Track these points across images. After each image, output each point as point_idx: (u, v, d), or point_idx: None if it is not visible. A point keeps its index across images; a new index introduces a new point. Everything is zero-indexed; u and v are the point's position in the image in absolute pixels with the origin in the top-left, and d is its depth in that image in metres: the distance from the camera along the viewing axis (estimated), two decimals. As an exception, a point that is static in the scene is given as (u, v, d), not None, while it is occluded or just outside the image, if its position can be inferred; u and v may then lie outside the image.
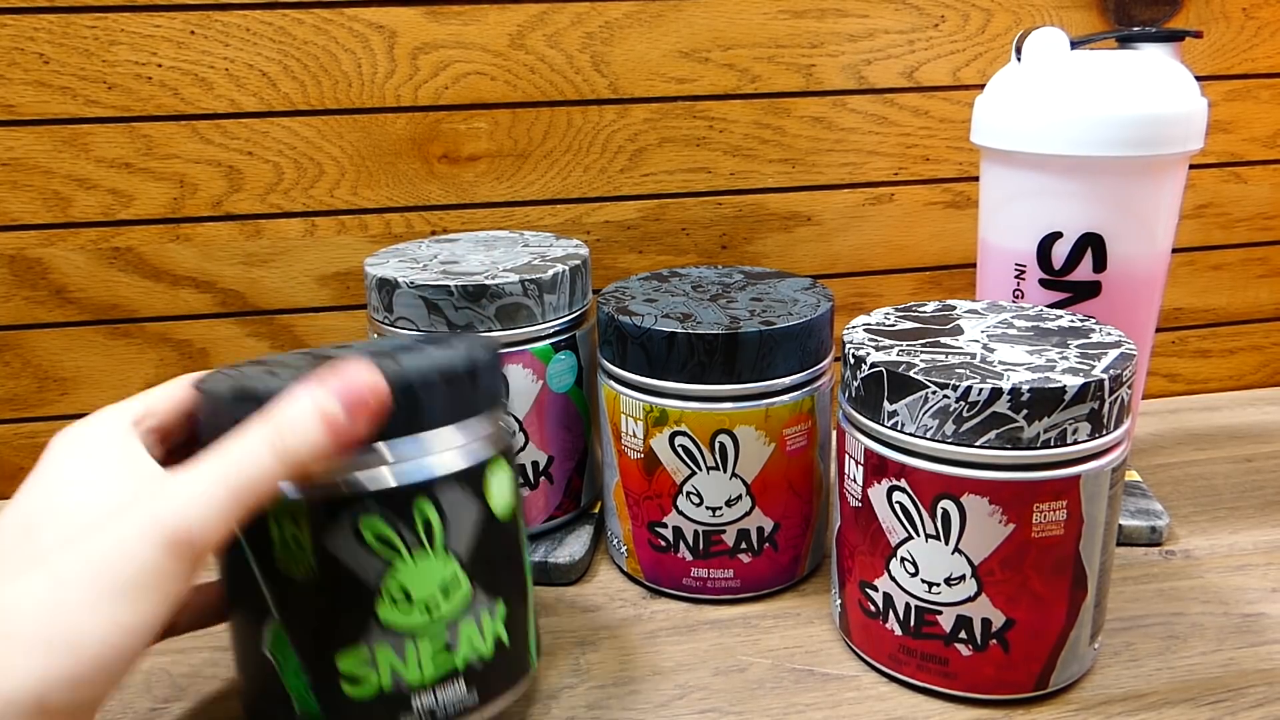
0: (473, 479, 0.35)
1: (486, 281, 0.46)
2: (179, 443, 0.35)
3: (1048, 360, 0.38)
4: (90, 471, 0.32)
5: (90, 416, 0.33)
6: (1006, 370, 0.37)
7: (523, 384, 0.48)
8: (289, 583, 0.34)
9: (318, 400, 0.31)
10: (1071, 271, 0.48)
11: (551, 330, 0.48)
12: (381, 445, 0.33)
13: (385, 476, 0.33)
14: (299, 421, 0.30)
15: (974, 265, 0.54)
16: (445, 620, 0.35)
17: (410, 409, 0.33)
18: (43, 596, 0.27)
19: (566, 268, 0.48)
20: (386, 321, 0.47)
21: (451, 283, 0.46)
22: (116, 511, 0.29)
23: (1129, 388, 0.38)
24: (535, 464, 0.49)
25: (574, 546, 0.50)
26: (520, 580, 0.38)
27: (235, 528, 0.30)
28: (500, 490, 0.37)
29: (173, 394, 0.35)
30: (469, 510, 0.35)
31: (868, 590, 0.41)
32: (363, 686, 0.34)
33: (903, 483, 0.38)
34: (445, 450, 0.35)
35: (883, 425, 0.38)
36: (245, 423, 0.31)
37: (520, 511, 0.39)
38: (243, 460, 0.29)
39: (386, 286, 0.47)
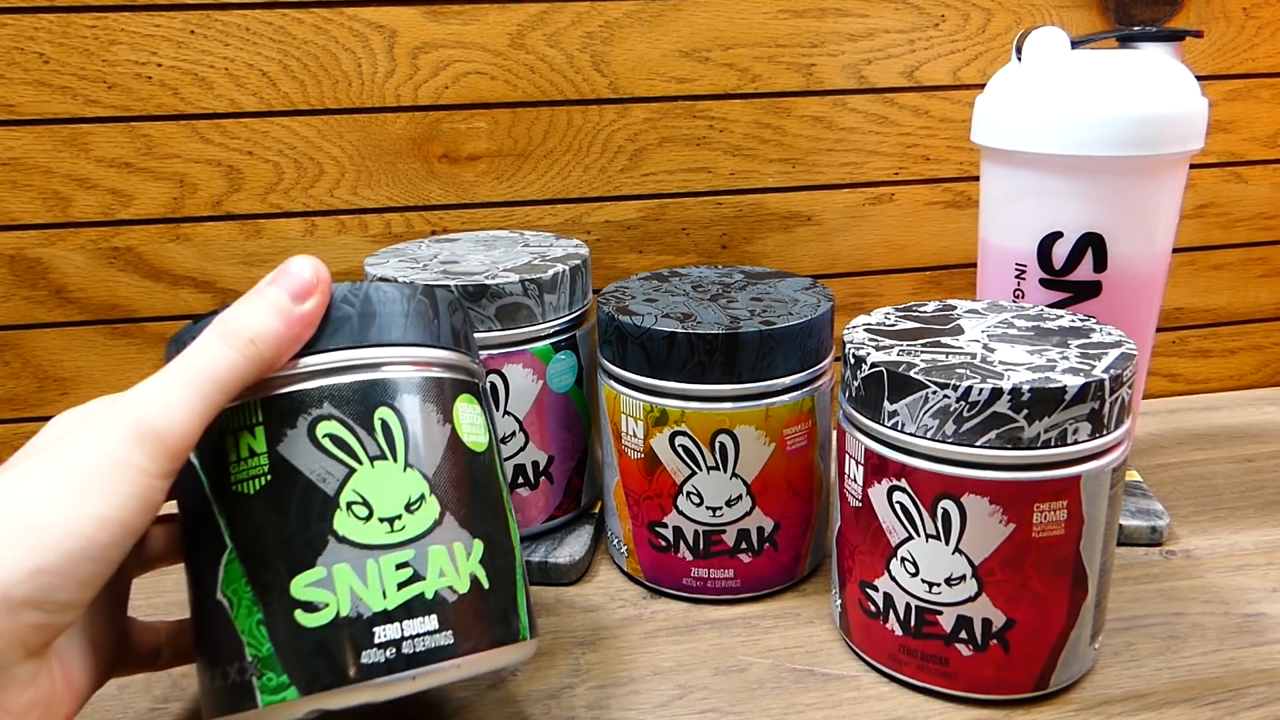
0: (438, 400, 0.34)
1: (487, 281, 0.46)
2: None
3: (1048, 360, 0.38)
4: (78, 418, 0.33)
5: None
6: (1007, 370, 0.37)
7: (523, 384, 0.48)
8: (244, 502, 0.32)
9: (265, 291, 0.32)
10: (1072, 271, 0.48)
11: (551, 330, 0.48)
12: (340, 353, 0.33)
13: (342, 380, 0.32)
14: (249, 311, 0.31)
15: (974, 265, 0.54)
16: (410, 539, 0.32)
17: (368, 318, 0.33)
18: (8, 492, 0.27)
19: (566, 267, 0.48)
20: None
21: (452, 282, 0.46)
22: (89, 417, 0.30)
23: (1129, 388, 0.38)
24: (535, 464, 0.49)
25: (574, 546, 0.50)
26: (501, 525, 0.35)
27: (201, 428, 0.30)
28: (471, 423, 0.35)
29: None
30: (433, 428, 0.34)
31: (868, 590, 0.41)
32: (319, 614, 0.31)
33: (903, 483, 0.38)
34: (406, 364, 0.34)
35: (883, 425, 0.38)
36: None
37: (498, 454, 0.37)
38: (201, 355, 0.30)
39: None
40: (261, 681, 0.31)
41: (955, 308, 0.44)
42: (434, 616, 0.31)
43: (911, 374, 0.37)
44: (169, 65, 0.55)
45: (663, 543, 0.47)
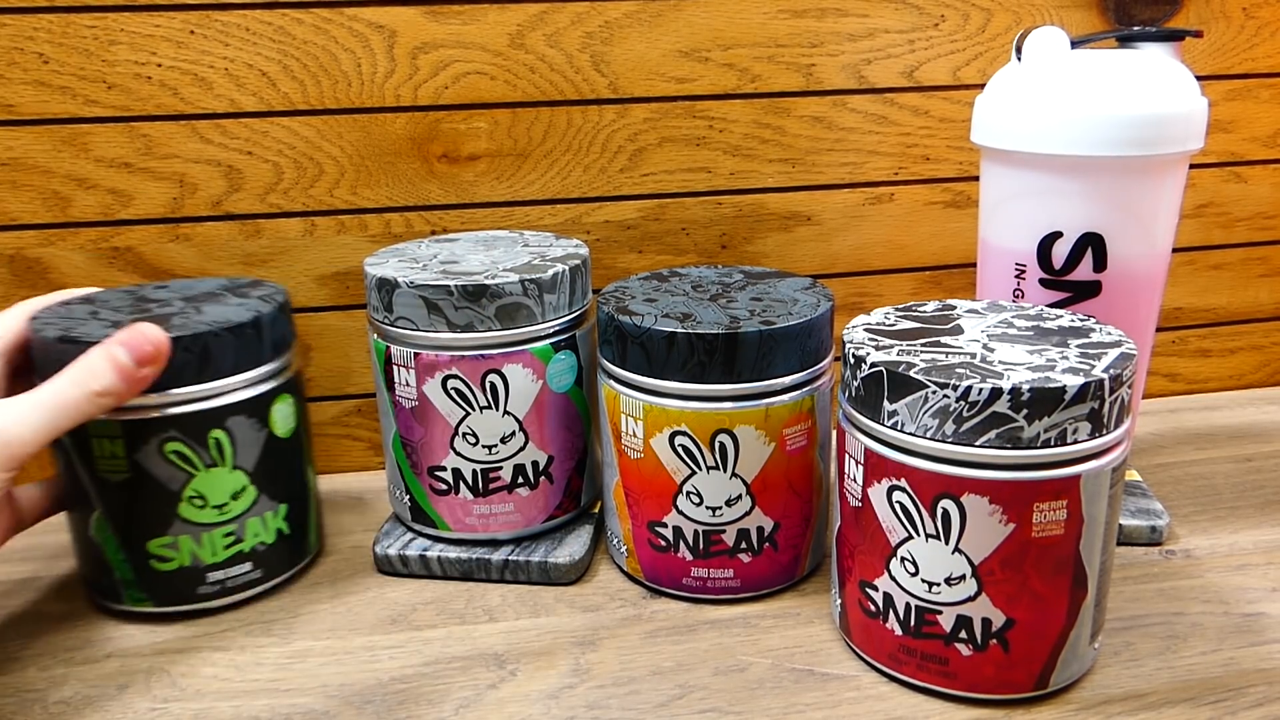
0: (258, 409, 0.46)
1: (486, 281, 0.46)
2: (20, 364, 0.44)
3: (1048, 360, 0.38)
4: None
5: None
6: (1006, 370, 0.37)
7: (523, 384, 0.48)
8: (108, 485, 0.44)
9: (113, 352, 0.41)
10: (1072, 271, 0.48)
11: (551, 330, 0.48)
12: (182, 388, 0.43)
13: (184, 409, 0.44)
14: (98, 367, 0.40)
15: (974, 265, 0.54)
16: (234, 517, 0.46)
17: (203, 358, 0.44)
18: None
19: (566, 267, 0.48)
20: (386, 321, 0.47)
21: (451, 282, 0.46)
22: None
23: (1129, 387, 0.38)
24: (535, 464, 0.49)
25: (574, 546, 0.50)
26: (300, 486, 0.50)
27: (61, 439, 0.43)
28: (283, 416, 0.48)
29: (13, 325, 0.44)
30: (254, 435, 0.46)
31: (868, 590, 0.41)
32: (168, 564, 0.46)
33: (903, 482, 0.38)
34: (235, 389, 0.45)
35: (883, 425, 0.38)
36: (65, 362, 0.41)
37: (302, 431, 0.50)
38: (56, 393, 0.40)
39: (386, 286, 0.47)
40: (128, 593, 0.46)
41: (955, 307, 0.44)
42: (249, 563, 0.47)
43: (911, 374, 0.37)
44: (169, 65, 0.55)
45: (662, 542, 0.47)
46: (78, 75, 0.54)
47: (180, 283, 0.51)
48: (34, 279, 0.57)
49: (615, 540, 0.50)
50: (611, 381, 0.47)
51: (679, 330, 0.43)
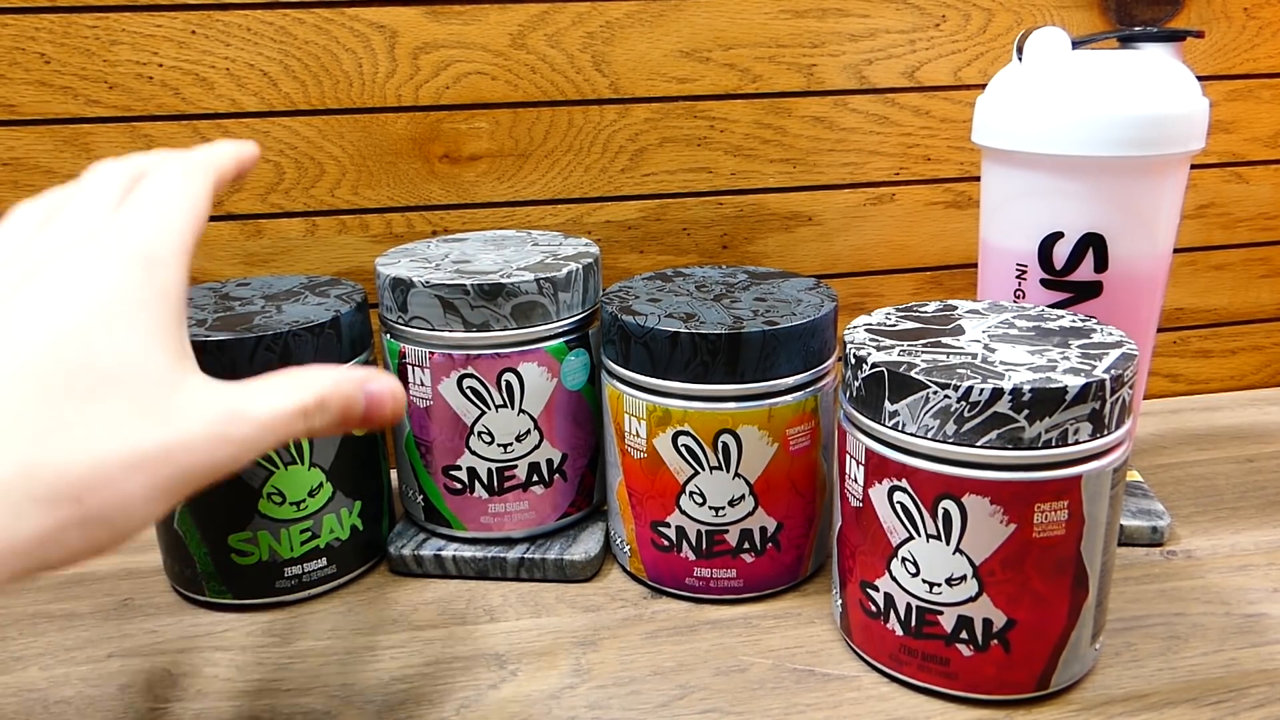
0: None
1: (503, 280, 0.46)
2: None
3: (1049, 360, 0.38)
4: None
5: None
6: (1008, 370, 0.37)
7: (537, 382, 0.48)
8: None
9: (372, 388, 0.33)
10: (1073, 272, 0.48)
11: (566, 328, 0.48)
12: None
13: None
14: (348, 391, 0.33)
15: (975, 265, 0.54)
16: (311, 514, 0.47)
17: (284, 357, 0.44)
18: None
19: (580, 266, 0.48)
20: (401, 321, 0.47)
21: (467, 282, 0.46)
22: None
23: (1130, 388, 0.38)
24: (549, 461, 0.49)
25: (588, 544, 0.50)
26: (376, 483, 0.51)
27: None
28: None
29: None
30: (331, 435, 0.45)
31: (869, 590, 0.41)
32: (248, 558, 0.47)
33: (904, 483, 0.38)
34: None
35: (884, 425, 0.38)
36: None
37: (376, 431, 0.49)
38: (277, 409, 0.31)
39: (401, 286, 0.47)
40: (209, 585, 0.47)
41: (956, 308, 0.44)
42: (324, 558, 0.48)
43: (912, 374, 0.37)
44: (170, 65, 0.55)
45: (666, 542, 0.47)
46: (79, 75, 0.55)
47: (261, 280, 0.52)
48: (35, 279, 0.57)
49: (619, 540, 0.50)
50: (615, 381, 0.47)
51: (682, 330, 0.43)
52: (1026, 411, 0.35)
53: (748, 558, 0.46)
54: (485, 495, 0.49)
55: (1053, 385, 0.35)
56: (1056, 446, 0.36)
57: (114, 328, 0.28)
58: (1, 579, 0.24)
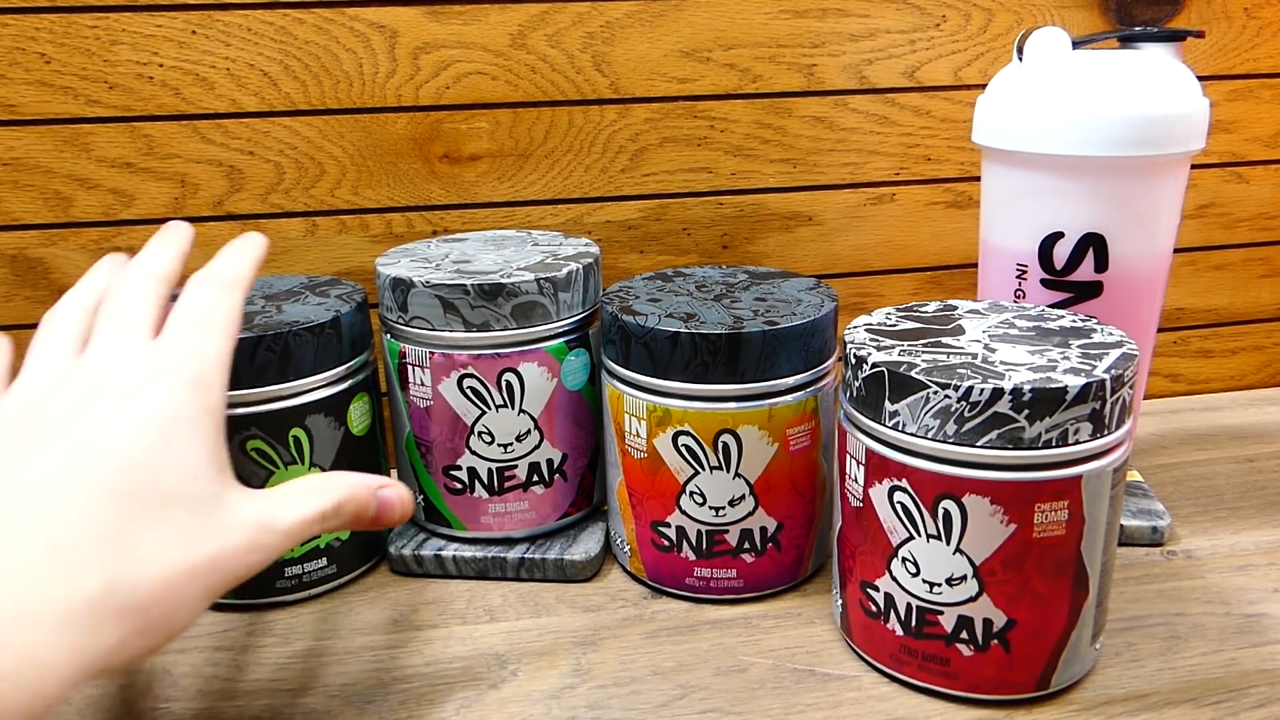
0: (337, 408, 0.47)
1: (503, 280, 0.46)
2: None
3: (1049, 360, 0.38)
4: None
5: None
6: (1008, 370, 0.37)
7: (537, 382, 0.48)
8: None
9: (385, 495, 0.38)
10: (1073, 272, 0.48)
11: (566, 328, 0.48)
12: (264, 387, 0.45)
13: (264, 409, 0.45)
14: (361, 498, 0.37)
15: (975, 265, 0.54)
16: None
17: (284, 357, 0.45)
18: None
19: (580, 266, 0.48)
20: (401, 321, 0.47)
21: (468, 282, 0.46)
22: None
23: (1130, 388, 0.38)
24: (550, 461, 0.49)
25: (588, 544, 0.50)
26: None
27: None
28: (360, 415, 0.49)
29: None
30: (332, 433, 0.47)
31: (869, 590, 0.41)
32: None
33: (904, 483, 0.38)
34: (314, 388, 0.46)
35: (884, 425, 0.38)
36: None
37: (378, 429, 0.51)
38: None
39: (401, 286, 0.47)
40: None
41: (956, 308, 0.44)
42: (324, 558, 0.48)
43: (912, 374, 0.37)
44: (170, 65, 0.55)
45: (666, 542, 0.47)
46: (79, 75, 0.55)
47: (261, 280, 0.52)
48: (35, 279, 0.57)
49: (619, 540, 0.50)
50: (615, 381, 0.47)
51: (682, 330, 0.43)
52: (1027, 411, 0.35)
53: (748, 558, 0.46)
54: (485, 495, 0.49)
55: (1053, 385, 0.35)
56: (1057, 446, 0.36)
57: (174, 449, 0.31)
58: (78, 686, 0.27)
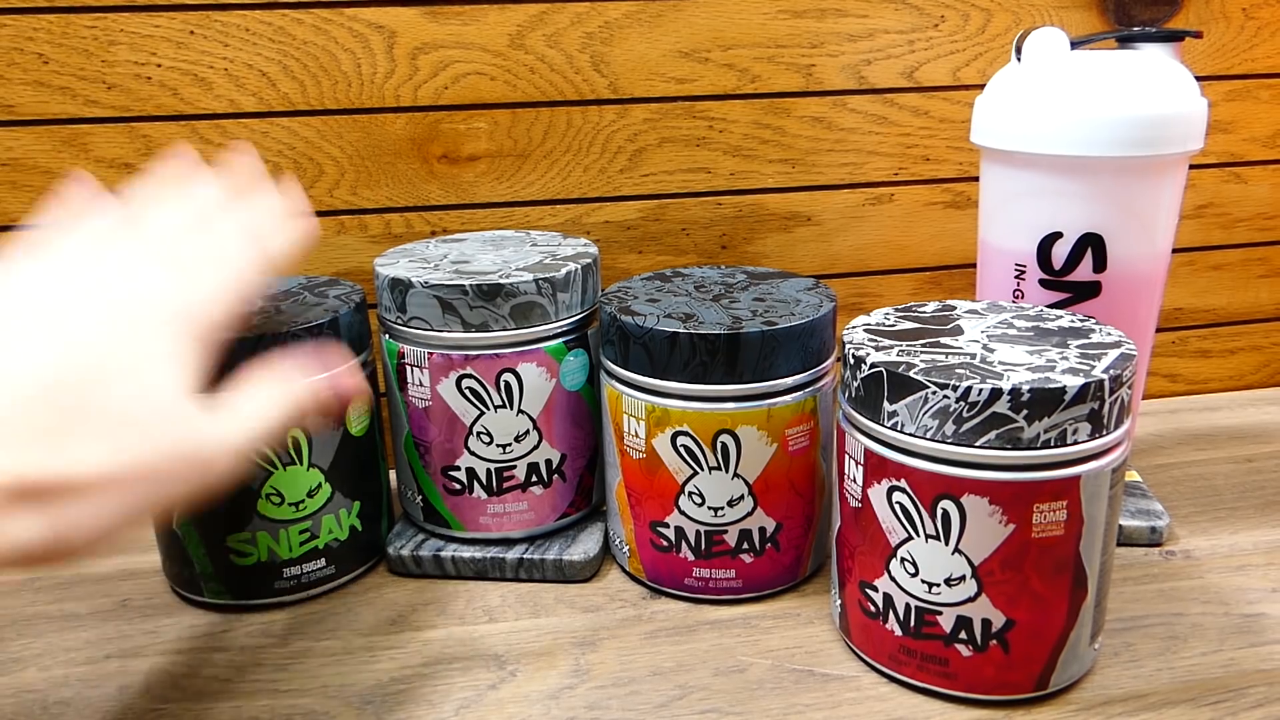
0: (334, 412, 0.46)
1: (501, 280, 0.46)
2: None
3: (1048, 360, 0.38)
4: None
5: None
6: (1006, 370, 0.37)
7: (536, 382, 0.48)
8: None
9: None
10: (1071, 272, 0.48)
11: (565, 329, 0.48)
12: None
13: None
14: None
15: (974, 265, 0.54)
16: (310, 514, 0.47)
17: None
18: None
19: (579, 266, 0.48)
20: (399, 321, 0.47)
21: (466, 282, 0.46)
22: None
23: (1129, 388, 0.38)
24: (549, 461, 0.49)
25: (587, 544, 0.50)
26: (374, 484, 0.51)
27: None
28: (357, 415, 0.49)
29: None
30: (330, 434, 0.47)
31: (868, 590, 0.41)
32: (247, 559, 0.47)
33: (902, 483, 0.38)
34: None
35: (882, 425, 0.38)
36: None
37: (376, 430, 0.50)
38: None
39: (400, 286, 0.47)
40: (207, 586, 0.47)
41: (955, 308, 0.44)
42: (323, 559, 0.48)
43: (911, 374, 0.37)
44: (169, 66, 0.55)
45: (665, 543, 0.47)
46: (77, 76, 0.54)
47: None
48: (34, 279, 0.57)
49: (617, 540, 0.50)
50: (614, 381, 0.47)
51: (681, 330, 0.43)
52: (1025, 411, 0.35)
53: (747, 558, 0.46)
54: (484, 496, 0.49)
55: (1051, 385, 0.35)
56: (1055, 447, 0.36)
57: (137, 347, 0.31)
58: None
